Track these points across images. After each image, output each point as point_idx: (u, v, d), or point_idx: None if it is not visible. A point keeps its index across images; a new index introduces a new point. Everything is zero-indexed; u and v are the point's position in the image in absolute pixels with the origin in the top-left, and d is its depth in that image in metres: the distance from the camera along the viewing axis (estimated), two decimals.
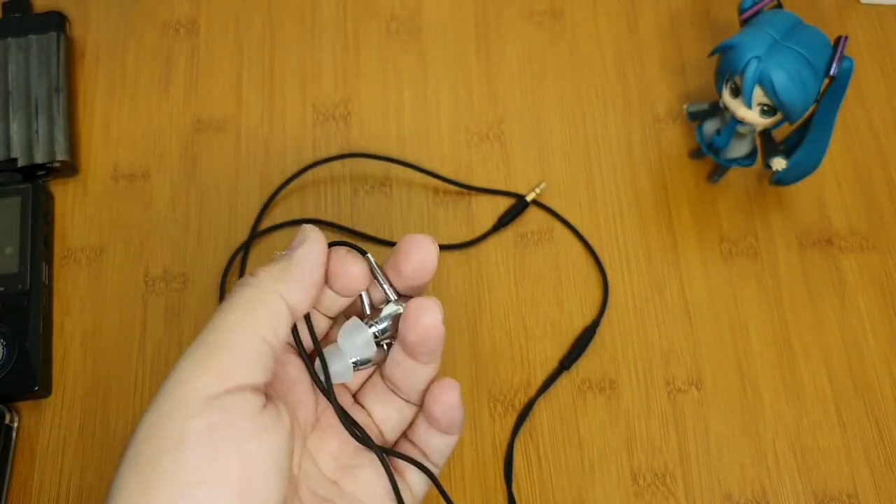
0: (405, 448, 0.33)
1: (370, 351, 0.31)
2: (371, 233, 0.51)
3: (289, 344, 0.31)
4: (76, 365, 0.48)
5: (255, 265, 0.51)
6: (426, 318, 0.29)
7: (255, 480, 0.25)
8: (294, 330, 0.30)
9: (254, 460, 0.26)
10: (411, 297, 0.31)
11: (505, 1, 0.58)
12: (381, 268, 0.31)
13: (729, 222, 0.52)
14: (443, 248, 0.51)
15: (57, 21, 0.55)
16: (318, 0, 0.58)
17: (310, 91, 0.56)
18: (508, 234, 0.52)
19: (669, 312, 0.50)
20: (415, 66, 0.56)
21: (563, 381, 0.49)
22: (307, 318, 0.30)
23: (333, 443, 0.31)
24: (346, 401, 0.33)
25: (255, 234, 0.51)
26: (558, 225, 0.52)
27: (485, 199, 0.53)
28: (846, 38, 0.44)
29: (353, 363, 0.31)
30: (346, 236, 0.51)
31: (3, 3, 0.56)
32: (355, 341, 0.31)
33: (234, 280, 0.50)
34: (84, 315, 0.50)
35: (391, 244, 0.51)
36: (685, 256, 0.52)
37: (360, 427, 0.31)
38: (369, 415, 0.33)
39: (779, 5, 0.47)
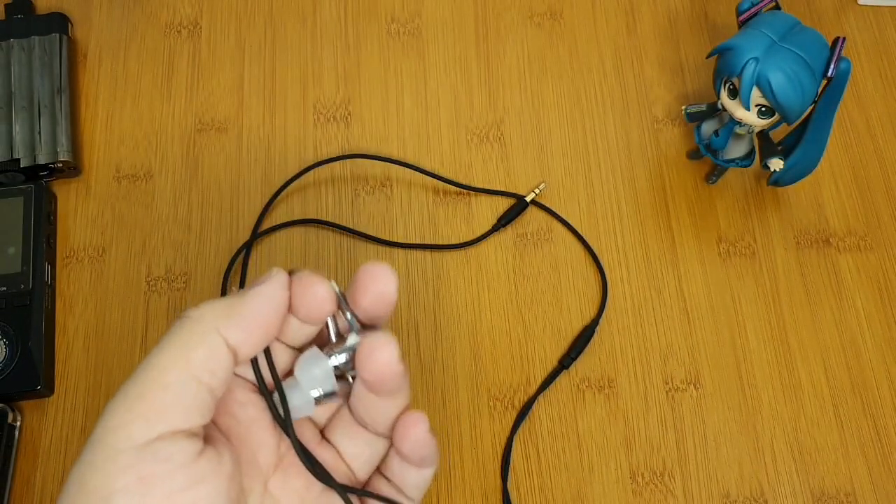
0: (378, 484, 0.31)
1: (329, 384, 0.29)
2: (371, 233, 0.52)
3: (248, 381, 0.29)
4: (79, 364, 0.49)
5: (257, 265, 0.51)
6: (380, 357, 0.27)
7: None
8: (254, 364, 0.28)
9: None
10: (375, 326, 0.29)
11: (504, 3, 0.59)
12: (344, 295, 0.29)
13: (727, 222, 0.53)
14: (443, 248, 0.52)
15: (59, 22, 0.55)
16: (319, 1, 0.58)
17: (311, 92, 0.56)
18: (508, 234, 0.52)
19: (668, 312, 0.50)
20: (415, 68, 0.57)
21: (563, 380, 0.49)
22: (266, 349, 0.28)
23: (298, 483, 0.29)
24: (311, 437, 0.30)
25: (257, 235, 0.51)
26: (557, 225, 0.53)
27: (484, 200, 0.53)
28: (844, 39, 0.44)
29: (316, 397, 0.29)
30: (346, 236, 0.52)
31: (6, 5, 0.56)
32: (313, 373, 0.28)
33: (235, 281, 0.51)
34: (86, 314, 0.50)
35: (392, 244, 0.51)
36: (683, 256, 0.52)
37: (320, 464, 0.29)
38: (338, 451, 0.30)
39: (777, 7, 0.47)
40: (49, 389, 0.48)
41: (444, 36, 0.58)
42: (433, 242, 0.52)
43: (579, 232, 0.52)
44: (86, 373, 0.49)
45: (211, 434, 0.26)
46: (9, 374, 0.46)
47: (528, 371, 0.49)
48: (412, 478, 0.30)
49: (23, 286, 0.48)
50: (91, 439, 0.24)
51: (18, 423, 0.47)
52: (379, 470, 0.31)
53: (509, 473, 0.47)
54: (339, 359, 0.29)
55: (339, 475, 0.30)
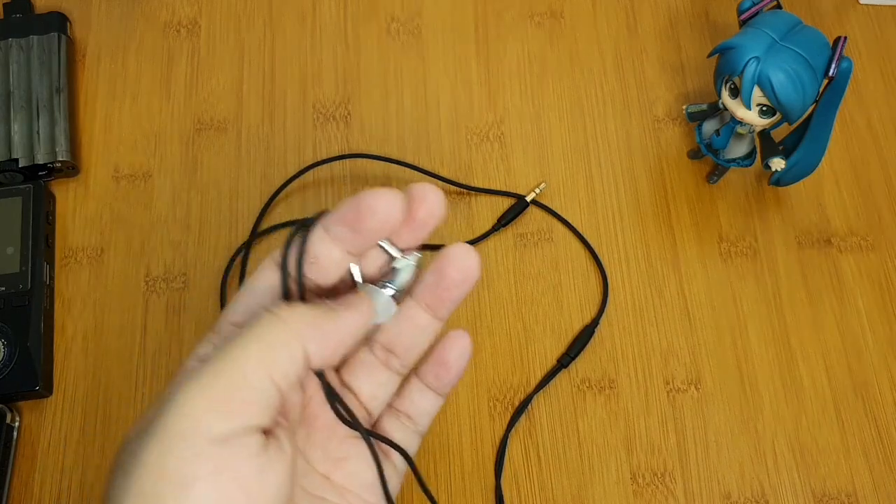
0: (388, 417, 0.33)
1: (391, 310, 0.31)
2: None
3: None
4: (77, 364, 0.49)
5: (256, 265, 0.51)
6: (467, 258, 0.31)
7: None
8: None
9: (259, 499, 0.26)
10: (412, 251, 0.32)
11: (505, 2, 0.59)
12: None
13: (728, 222, 0.53)
14: (443, 248, 0.51)
15: (58, 22, 0.55)
16: (319, 1, 0.58)
17: (310, 92, 0.56)
18: (508, 234, 0.52)
19: (669, 312, 0.50)
20: (415, 67, 0.57)
21: (563, 380, 0.49)
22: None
23: (319, 435, 0.31)
24: (332, 381, 0.32)
25: (256, 235, 0.51)
26: (558, 225, 0.53)
27: (485, 200, 0.53)
28: (845, 38, 0.44)
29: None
30: None
31: (5, 4, 0.56)
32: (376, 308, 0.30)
33: (234, 281, 0.50)
34: (85, 315, 0.50)
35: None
36: (684, 256, 0.52)
37: (350, 411, 0.30)
38: (356, 396, 0.32)
39: (778, 6, 0.47)
40: (48, 390, 0.48)
41: (444, 36, 0.58)
42: (433, 242, 0.52)
43: (580, 232, 0.52)
44: (84, 373, 0.48)
45: (270, 427, 0.28)
46: (7, 375, 0.46)
47: (529, 372, 0.49)
48: (429, 405, 0.33)
49: (21, 286, 0.48)
50: (167, 421, 0.25)
51: (17, 424, 0.47)
52: (390, 404, 0.33)
53: (503, 470, 0.46)
54: (398, 281, 0.31)
55: (358, 417, 0.31)
